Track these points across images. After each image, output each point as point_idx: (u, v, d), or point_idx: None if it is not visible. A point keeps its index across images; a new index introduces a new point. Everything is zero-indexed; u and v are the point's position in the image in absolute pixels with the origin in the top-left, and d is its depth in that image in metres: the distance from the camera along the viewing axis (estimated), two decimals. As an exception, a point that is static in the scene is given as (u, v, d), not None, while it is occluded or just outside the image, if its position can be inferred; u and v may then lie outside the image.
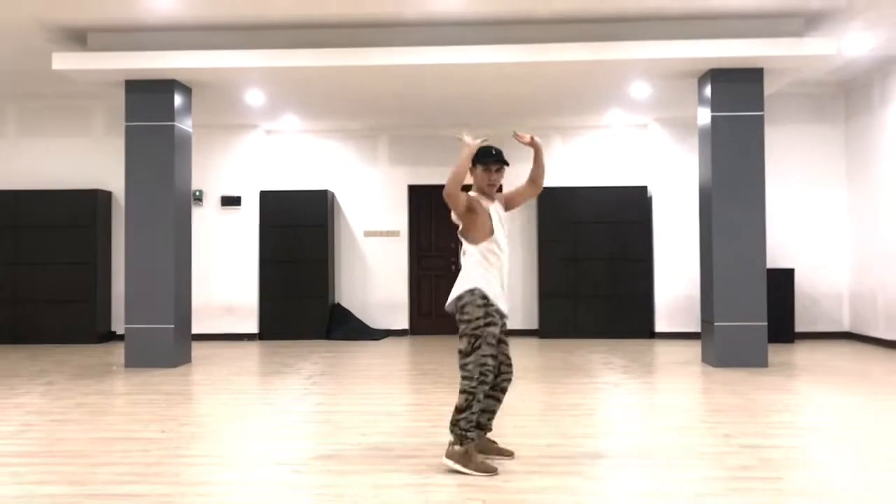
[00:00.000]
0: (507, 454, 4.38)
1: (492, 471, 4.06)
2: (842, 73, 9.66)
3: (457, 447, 4.13)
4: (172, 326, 8.13)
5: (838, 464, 4.32)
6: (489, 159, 4.31)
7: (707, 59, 7.64)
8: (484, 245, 4.24)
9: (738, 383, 6.87)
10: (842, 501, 3.64)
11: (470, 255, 4.27)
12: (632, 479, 4.02)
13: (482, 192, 4.32)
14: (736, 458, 4.35)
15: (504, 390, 4.37)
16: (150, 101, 8.19)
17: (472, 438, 4.13)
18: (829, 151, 10.48)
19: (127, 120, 8.22)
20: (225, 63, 7.79)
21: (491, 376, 4.15)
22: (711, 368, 7.81)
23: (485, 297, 4.17)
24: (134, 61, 7.80)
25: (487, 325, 4.16)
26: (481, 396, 4.14)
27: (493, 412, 4.37)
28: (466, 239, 4.31)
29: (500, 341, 4.29)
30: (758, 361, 7.84)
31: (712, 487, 3.86)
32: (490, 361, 4.14)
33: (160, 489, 3.87)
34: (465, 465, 4.08)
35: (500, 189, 4.57)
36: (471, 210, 4.23)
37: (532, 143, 4.38)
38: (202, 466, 4.33)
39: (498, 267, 4.24)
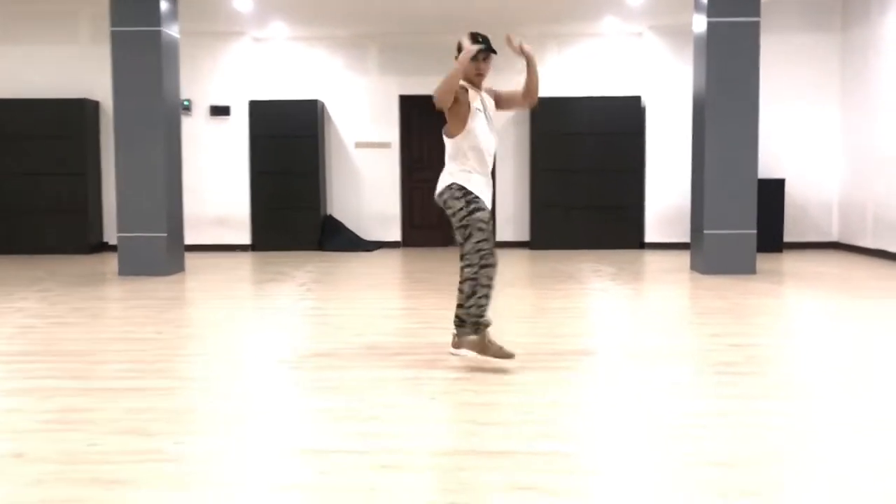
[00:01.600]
0: (508, 356, 4.26)
1: (508, 355, 4.12)
2: (840, -21, 9.49)
3: (472, 337, 4.17)
4: (165, 235, 8.16)
5: (820, 360, 4.44)
6: (478, 49, 4.20)
7: (704, -39, 7.50)
8: (459, 138, 4.17)
9: (725, 289, 6.99)
10: (824, 395, 3.76)
11: (447, 148, 4.26)
12: (620, 373, 4.13)
13: (469, 81, 4.24)
14: (721, 356, 4.47)
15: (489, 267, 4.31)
16: (136, 4, 8.01)
17: (487, 324, 4.15)
18: (823, 61, 10.39)
19: (112, 25, 8.06)
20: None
21: (492, 259, 4.10)
22: (700, 275, 7.92)
23: (461, 187, 4.15)
24: (118, -38, 7.61)
25: (472, 212, 4.11)
26: (485, 280, 4.10)
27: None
28: (444, 131, 4.27)
29: None
30: (746, 269, 7.94)
31: (698, 380, 3.98)
32: (485, 245, 4.09)
33: (162, 383, 3.96)
34: (482, 353, 4.16)
35: (497, 95, 4.50)
36: (454, 100, 4.15)
37: (523, 52, 4.27)
38: (201, 363, 4.42)
39: (477, 159, 4.18)
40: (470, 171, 4.17)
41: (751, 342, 4.86)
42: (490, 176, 4.30)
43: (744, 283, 7.36)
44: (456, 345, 4.26)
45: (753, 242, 7.98)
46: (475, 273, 4.13)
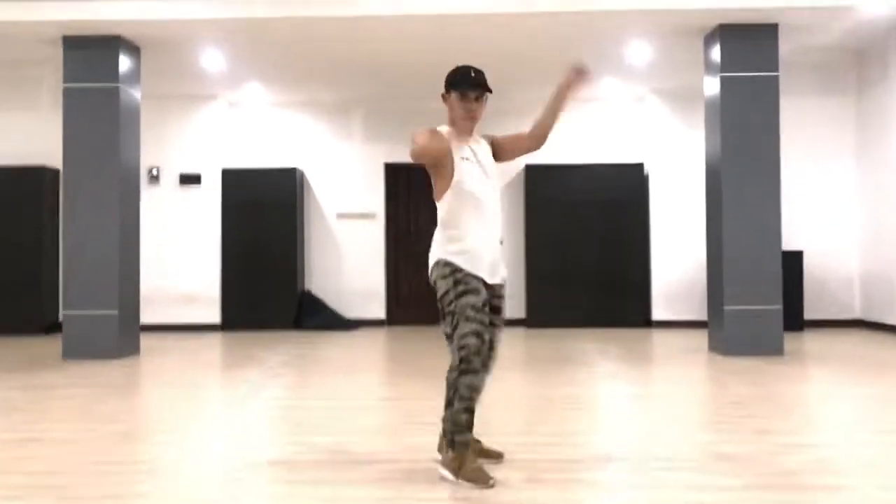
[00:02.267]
0: (495, 456, 3.48)
1: (484, 482, 3.14)
2: (854, 37, 8.81)
3: (449, 453, 3.27)
4: (116, 313, 7.22)
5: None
6: (467, 84, 3.38)
7: (715, 10, 6.81)
8: (448, 197, 3.33)
9: (755, 373, 6.06)
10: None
11: (438, 214, 3.39)
12: (658, 487, 3.17)
13: (455, 125, 3.41)
14: (782, 461, 3.52)
15: (486, 367, 3.41)
16: (92, 59, 7.28)
17: (465, 442, 3.22)
18: (838, 126, 9.68)
19: (65, 81, 7.30)
20: (176, 14, 6.87)
21: (477, 360, 3.17)
22: (720, 357, 7.00)
23: (448, 263, 3.28)
24: (72, 12, 6.89)
25: (459, 295, 3.23)
26: (465, 391, 3.18)
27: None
28: (434, 195, 3.41)
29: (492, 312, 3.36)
30: (772, 349, 7.04)
31: (763, 497, 3.02)
32: (472, 341, 3.17)
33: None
34: (453, 473, 3.21)
35: (494, 139, 3.66)
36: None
37: (572, 79, 3.55)
38: (119, 475, 3.44)
39: (474, 217, 3.30)
40: (461, 239, 3.30)
41: (811, 442, 3.92)
42: (496, 239, 3.38)
43: (773, 366, 6.44)
44: (442, 460, 3.33)
45: (780, 319, 7.11)
46: (455, 379, 3.22)
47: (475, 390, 3.21)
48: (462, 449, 3.21)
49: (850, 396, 5.23)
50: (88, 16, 6.87)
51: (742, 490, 3.12)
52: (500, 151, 3.61)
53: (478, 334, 3.19)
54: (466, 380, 3.20)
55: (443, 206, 3.36)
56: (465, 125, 3.42)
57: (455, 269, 3.26)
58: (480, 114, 3.44)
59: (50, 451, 3.83)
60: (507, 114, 10.33)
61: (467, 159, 3.36)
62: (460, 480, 3.17)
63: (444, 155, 3.29)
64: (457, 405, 3.22)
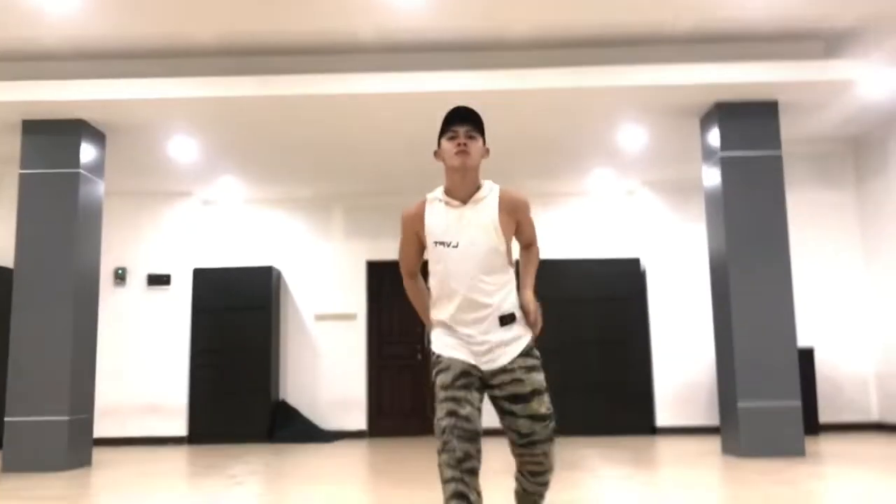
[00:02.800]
0: None
1: None
2: (854, 124, 8.57)
3: None
4: (66, 419, 6.47)
5: None
6: (454, 119, 2.78)
7: (712, 86, 6.48)
8: (431, 279, 2.88)
9: (778, 473, 5.36)
10: None
11: None
12: None
13: (450, 182, 2.82)
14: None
15: (532, 474, 2.85)
16: (52, 144, 6.84)
17: None
18: (840, 218, 9.30)
19: (22, 167, 6.81)
20: (141, 94, 6.48)
21: (454, 442, 2.55)
22: (737, 460, 6.29)
23: (432, 350, 2.80)
24: (32, 92, 6.49)
25: (435, 376, 2.74)
26: (445, 471, 2.54)
27: (527, 493, 2.91)
28: None
29: (506, 406, 2.77)
30: (793, 449, 6.36)
31: None
32: (444, 423, 2.60)
33: None
34: None
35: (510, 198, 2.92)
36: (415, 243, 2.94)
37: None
38: None
39: (446, 301, 2.80)
40: (437, 325, 2.85)
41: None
42: (483, 333, 2.75)
43: (796, 467, 5.73)
44: None
45: (800, 416, 6.46)
46: (438, 462, 2.60)
47: (452, 467, 2.53)
48: None
49: (882, 496, 4.54)
50: (50, 96, 6.46)
51: None
52: (512, 217, 2.88)
53: (452, 413, 2.60)
54: (443, 458, 2.56)
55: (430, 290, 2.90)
56: (457, 171, 2.79)
57: (434, 354, 2.79)
58: (475, 153, 2.79)
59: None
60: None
61: (441, 244, 2.82)
62: None
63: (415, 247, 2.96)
64: (444, 490, 2.54)
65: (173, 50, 6.50)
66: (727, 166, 6.75)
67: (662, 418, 9.08)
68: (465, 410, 2.61)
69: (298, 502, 4.68)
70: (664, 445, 7.82)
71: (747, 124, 6.75)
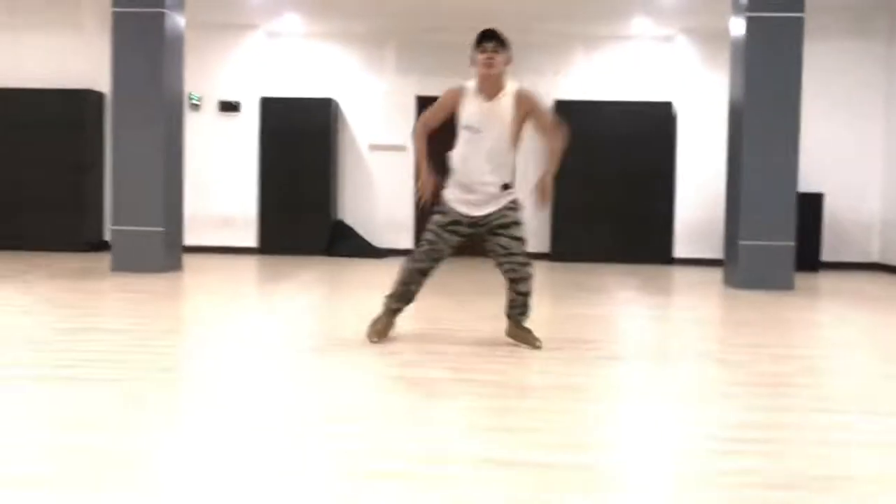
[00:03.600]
0: (533, 343, 4.09)
1: (369, 336, 4.14)
2: (889, -19, 8.89)
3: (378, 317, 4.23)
4: (162, 230, 7.65)
5: (880, 372, 3.81)
6: (482, 38, 3.84)
7: (746, -50, 6.93)
8: (455, 149, 4.01)
9: (762, 303, 6.36)
10: (881, 410, 3.14)
11: None
12: (654, 380, 3.53)
13: (486, 80, 3.85)
14: (767, 366, 3.86)
15: (513, 281, 4.02)
16: (139, -15, 7.58)
17: (386, 307, 4.20)
18: (868, 71, 9.75)
19: (114, 5, 7.62)
20: (218, -58, 7.14)
21: (423, 259, 4.05)
22: (734, 290, 7.28)
23: (441, 198, 4.07)
24: (121, -61, 7.17)
25: (433, 214, 4.10)
26: (406, 269, 4.12)
27: (512, 305, 4.13)
28: None
29: (494, 235, 4.00)
30: (783, 284, 7.31)
31: (744, 391, 3.36)
32: (423, 247, 4.06)
33: (110, 373, 3.41)
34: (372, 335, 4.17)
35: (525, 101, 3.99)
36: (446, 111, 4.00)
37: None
38: (166, 356, 3.87)
39: (459, 174, 3.97)
40: (452, 183, 4.03)
41: (801, 354, 4.24)
42: (493, 188, 3.93)
43: (782, 298, 6.72)
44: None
45: (792, 256, 7.36)
46: (402, 264, 4.17)
47: (408, 271, 4.10)
48: (382, 311, 4.19)
49: (847, 322, 5.52)
50: (137, -58, 7.16)
51: (731, 385, 3.46)
52: (528, 115, 3.96)
53: (430, 242, 4.02)
54: (406, 262, 4.12)
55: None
56: (485, 77, 3.82)
57: (440, 202, 4.03)
58: (500, 63, 3.81)
59: (105, 337, 4.26)
60: (536, 46, 10.50)
61: (468, 128, 3.86)
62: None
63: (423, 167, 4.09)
64: (398, 277, 4.13)
65: None
66: (752, 24, 7.28)
67: (679, 250, 10.06)
68: (440, 245, 3.99)
69: (355, 304, 5.82)
70: (676, 274, 8.84)
71: (775, -15, 7.22)
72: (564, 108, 9.95)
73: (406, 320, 4.44)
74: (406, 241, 10.70)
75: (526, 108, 3.91)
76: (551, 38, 10.40)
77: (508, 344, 4.19)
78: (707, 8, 8.87)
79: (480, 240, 4.05)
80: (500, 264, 4.02)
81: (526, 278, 4.03)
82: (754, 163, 7.32)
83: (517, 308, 4.12)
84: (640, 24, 9.82)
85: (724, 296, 6.91)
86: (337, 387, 3.26)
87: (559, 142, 4.00)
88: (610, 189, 10.10)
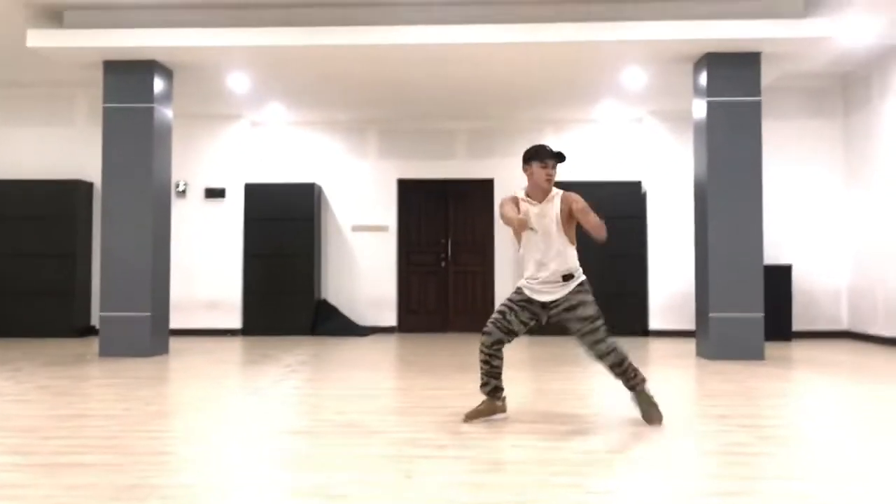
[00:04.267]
0: (649, 420, 4.36)
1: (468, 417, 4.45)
2: (839, 64, 9.46)
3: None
4: (149, 314, 7.85)
5: (839, 443, 4.04)
6: (547, 155, 4.43)
7: (703, 41, 7.42)
8: (520, 250, 4.53)
9: (733, 373, 6.60)
10: (842, 477, 3.37)
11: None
12: (624, 450, 3.73)
13: (533, 189, 4.43)
14: (730, 437, 4.08)
15: (599, 358, 4.43)
16: (129, 82, 7.95)
17: (483, 391, 4.48)
18: (826, 147, 10.25)
19: (105, 101, 7.98)
20: (207, 42, 7.54)
21: (494, 330, 4.41)
22: (706, 361, 7.53)
23: (517, 289, 4.54)
24: (112, 39, 7.56)
25: (512, 293, 4.53)
26: (482, 349, 4.44)
27: (615, 377, 4.46)
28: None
29: (566, 321, 4.43)
30: (754, 354, 7.57)
31: (707, 461, 3.58)
32: (494, 317, 4.46)
33: (113, 459, 3.58)
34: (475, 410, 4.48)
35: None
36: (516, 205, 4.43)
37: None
38: (162, 440, 4.04)
39: (533, 268, 4.44)
40: (526, 279, 4.48)
41: (763, 423, 4.47)
42: (555, 277, 4.39)
43: (752, 368, 6.97)
44: None
45: (761, 327, 7.64)
46: (480, 343, 4.48)
47: (484, 347, 4.43)
48: (484, 393, 4.49)
49: (815, 391, 5.77)
50: (127, 43, 7.54)
51: (701, 455, 3.68)
52: (569, 211, 4.43)
53: (503, 314, 4.44)
54: (482, 339, 4.44)
55: (520, 253, 4.55)
56: (544, 187, 4.41)
57: (517, 291, 4.50)
58: (555, 175, 4.43)
59: (98, 423, 4.43)
60: (509, 132, 11.00)
61: (533, 229, 4.38)
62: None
63: (518, 231, 4.42)
64: (481, 358, 4.47)
65: (232, 2, 7.49)
66: (712, 108, 7.73)
67: (654, 322, 10.34)
68: (511, 317, 4.42)
69: (343, 385, 6.00)
70: (652, 346, 9.08)
71: (732, 73, 7.68)
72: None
73: (391, 398, 4.63)
74: (390, 318, 10.94)
75: (568, 205, 4.39)
76: (524, 123, 10.86)
77: (491, 420, 4.40)
78: (672, 91, 9.34)
79: (554, 322, 4.48)
80: (582, 344, 4.46)
81: (605, 354, 4.40)
82: (720, 238, 7.66)
83: (621, 379, 4.46)
84: (608, 108, 10.30)
85: (697, 367, 7.15)
86: (328, 467, 3.44)
87: (598, 225, 4.40)
88: (584, 264, 10.37)
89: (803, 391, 5.85)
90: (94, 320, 10.43)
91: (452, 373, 6.65)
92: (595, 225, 4.34)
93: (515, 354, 7.92)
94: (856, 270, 9.91)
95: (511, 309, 4.43)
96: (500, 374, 4.49)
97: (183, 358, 7.84)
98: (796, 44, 7.45)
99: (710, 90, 7.71)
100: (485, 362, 4.44)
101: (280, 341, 9.66)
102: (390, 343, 9.61)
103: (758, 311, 7.62)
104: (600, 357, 4.40)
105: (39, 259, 10.12)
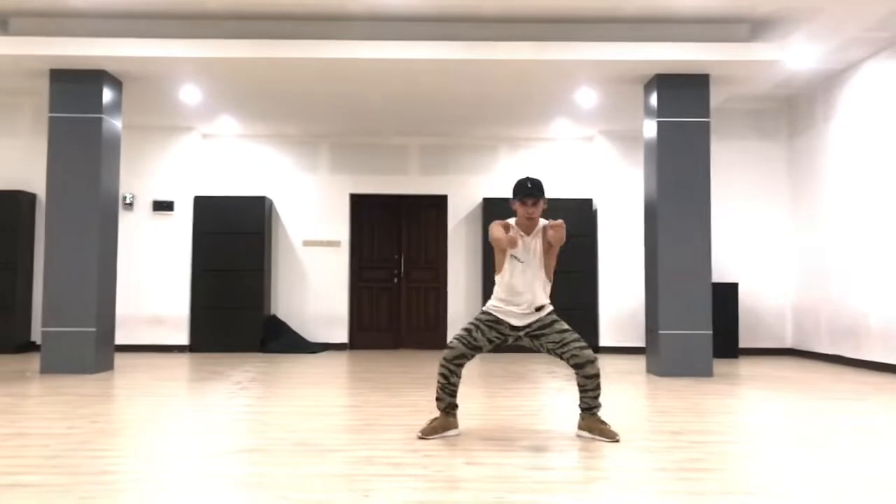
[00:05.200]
0: (611, 436, 4.40)
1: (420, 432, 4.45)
2: (785, 88, 9.72)
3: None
4: (94, 330, 7.65)
5: (785, 458, 4.11)
6: (523, 193, 4.43)
7: (653, 62, 7.55)
8: (497, 276, 4.56)
9: (683, 390, 6.69)
10: (793, 491, 3.42)
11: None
12: (577, 468, 3.74)
13: (521, 224, 4.46)
14: (683, 453, 4.12)
15: (578, 366, 4.44)
16: (77, 92, 7.78)
17: (438, 407, 4.50)
18: (772, 168, 10.51)
19: (51, 111, 7.78)
20: (157, 52, 7.43)
21: (458, 345, 4.46)
22: (656, 378, 7.62)
23: (485, 310, 4.59)
24: (59, 48, 7.39)
25: (480, 314, 4.59)
26: (442, 363, 4.47)
27: (584, 390, 4.49)
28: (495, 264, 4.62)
29: (538, 337, 4.50)
30: (703, 371, 7.67)
31: (659, 476, 3.61)
32: (459, 333, 4.53)
33: (56, 479, 3.47)
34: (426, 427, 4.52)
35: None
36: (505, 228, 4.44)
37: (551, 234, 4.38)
38: (107, 459, 3.92)
39: (507, 294, 4.48)
40: (498, 302, 4.52)
41: (713, 440, 4.53)
42: (528, 309, 4.45)
43: (701, 384, 7.07)
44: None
45: (710, 344, 7.75)
46: (441, 358, 4.52)
47: (444, 363, 4.47)
48: (439, 409, 4.51)
49: (761, 407, 5.87)
50: (75, 51, 7.38)
51: (649, 471, 3.71)
52: (552, 245, 4.45)
53: (461, 339, 4.48)
54: (444, 353, 4.48)
55: (497, 277, 4.56)
56: (527, 223, 4.45)
57: (486, 311, 4.55)
58: (537, 213, 4.43)
59: (40, 442, 4.29)
60: (463, 148, 11.04)
61: (516, 258, 4.43)
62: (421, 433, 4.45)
63: (503, 251, 4.43)
64: (439, 376, 4.49)
65: (183, 13, 7.39)
66: (662, 128, 7.86)
67: (605, 339, 10.44)
68: (477, 335, 4.47)
69: (295, 403, 5.92)
70: (602, 361, 9.14)
71: (681, 94, 7.83)
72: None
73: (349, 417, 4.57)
74: (341, 335, 10.84)
75: (547, 234, 4.42)
76: (478, 140, 10.92)
77: (445, 437, 4.38)
78: (622, 111, 9.48)
79: (521, 344, 4.57)
80: (561, 357, 4.45)
81: (592, 360, 4.43)
82: (670, 255, 7.77)
83: (589, 392, 4.46)
84: (561, 126, 10.41)
85: (647, 383, 7.23)
86: (283, 487, 3.38)
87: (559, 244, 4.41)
88: (537, 281, 10.46)
89: (751, 407, 5.94)
90: (35, 335, 10.14)
91: (406, 390, 6.62)
92: (560, 236, 4.34)
93: (465, 370, 7.91)
94: (800, 289, 10.14)
95: (478, 327, 4.48)
96: (455, 391, 4.51)
97: (129, 375, 7.65)
98: (744, 66, 7.62)
99: (661, 111, 7.85)
100: (443, 376, 4.46)
101: (228, 358, 9.50)
102: (342, 360, 9.52)
103: (706, 329, 7.74)
104: (587, 362, 4.41)
105: (-22, 272, 9.80)
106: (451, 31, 7.51)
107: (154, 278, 10.41)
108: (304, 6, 7.20)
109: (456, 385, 4.49)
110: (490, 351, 4.58)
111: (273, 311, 10.83)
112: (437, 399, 4.51)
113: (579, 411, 4.55)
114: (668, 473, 3.67)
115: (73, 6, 7.22)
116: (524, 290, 4.44)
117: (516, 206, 4.47)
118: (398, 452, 4.05)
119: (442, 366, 4.46)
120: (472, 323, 4.52)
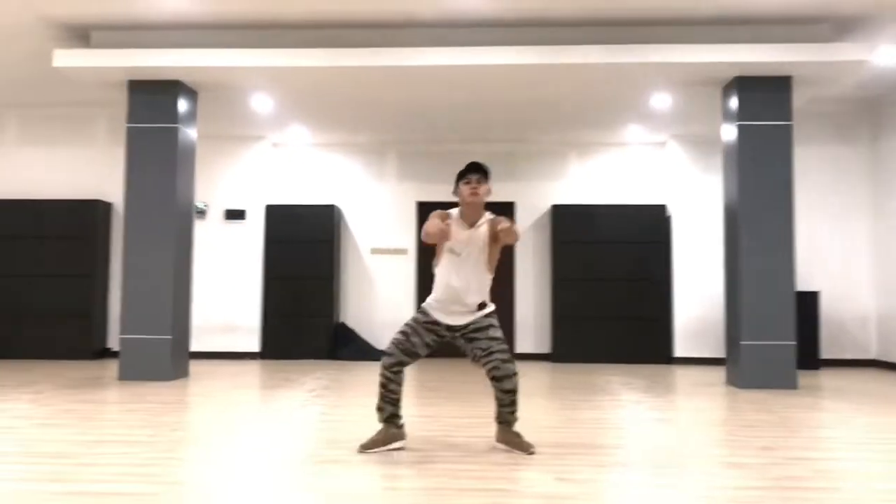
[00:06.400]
0: (526, 449, 4.25)
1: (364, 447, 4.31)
2: (868, 89, 9.35)
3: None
4: (170, 338, 7.75)
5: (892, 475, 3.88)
6: (468, 170, 4.22)
7: (733, 64, 7.32)
8: (435, 268, 4.33)
9: (768, 402, 6.44)
10: (912, 512, 3.21)
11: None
12: (667, 488, 3.59)
13: (463, 210, 4.23)
14: (782, 470, 3.93)
15: (496, 379, 4.24)
16: (154, 102, 7.90)
17: (379, 418, 4.34)
18: (852, 172, 10.13)
19: (129, 121, 7.92)
20: (232, 62, 7.49)
21: (396, 352, 4.27)
22: (738, 390, 7.37)
23: (421, 309, 4.36)
24: (137, 59, 7.52)
25: (416, 314, 4.35)
26: (381, 371, 4.29)
27: (501, 405, 4.30)
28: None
29: (471, 340, 4.29)
30: (786, 383, 7.41)
31: (759, 496, 3.43)
32: (396, 338, 4.30)
33: (146, 488, 3.46)
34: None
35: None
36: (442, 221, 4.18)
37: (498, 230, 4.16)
38: (192, 467, 3.92)
39: (441, 292, 4.25)
40: (433, 300, 4.31)
41: (814, 456, 4.32)
42: (467, 308, 4.24)
43: (786, 397, 6.81)
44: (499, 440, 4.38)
45: (793, 354, 7.47)
46: (381, 363, 4.32)
47: (383, 369, 4.27)
48: (384, 428, 4.35)
49: (855, 423, 5.60)
50: (153, 63, 7.50)
51: (746, 489, 3.53)
52: (498, 239, 4.23)
53: (403, 334, 4.30)
54: (382, 360, 4.29)
55: (434, 270, 4.35)
56: (470, 205, 4.20)
57: (423, 310, 4.32)
58: (484, 193, 4.19)
59: (126, 449, 4.31)
60: (531, 154, 10.91)
61: (453, 252, 4.19)
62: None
63: (437, 242, 4.18)
64: (380, 384, 4.31)
65: (258, 24, 7.45)
66: (743, 132, 7.62)
67: (679, 350, 10.17)
68: (415, 339, 4.26)
69: (369, 412, 5.87)
70: (677, 374, 8.92)
71: (763, 97, 7.59)
72: (563, 212, 10.27)
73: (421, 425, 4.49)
74: (408, 343, 10.78)
75: (493, 227, 4.19)
76: (546, 146, 10.79)
77: (504, 451, 4.27)
78: (696, 116, 9.25)
79: (457, 345, 4.35)
80: (483, 365, 4.25)
81: (510, 375, 4.23)
82: (752, 264, 7.52)
83: (506, 407, 4.28)
84: (632, 132, 10.21)
85: (729, 396, 6.99)
86: (362, 499, 3.32)
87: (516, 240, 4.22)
88: (609, 290, 10.30)
89: (844, 423, 5.68)
90: (111, 342, 10.34)
91: (477, 400, 6.51)
92: (517, 236, 4.15)
93: (532, 383, 7.78)
94: (884, 298, 9.74)
95: (415, 331, 4.28)
96: (398, 400, 4.32)
97: (204, 382, 7.72)
98: (828, 67, 7.35)
99: (741, 114, 7.61)
100: (383, 386, 4.27)
101: (299, 365, 9.53)
102: (409, 367, 9.47)
103: (790, 339, 7.47)
104: (507, 376, 4.20)
105: (57, 280, 10.05)
106: (522, 36, 7.42)
107: (226, 286, 10.52)
108: (374, 14, 7.19)
109: (397, 393, 4.29)
110: (427, 355, 4.38)
111: (342, 318, 10.85)
112: (378, 409, 4.32)
113: (496, 424, 4.38)
114: (767, 493, 3.49)
115: (151, 19, 7.33)
116: (459, 286, 4.19)
117: (460, 188, 4.21)
118: (480, 465, 3.95)
119: (380, 374, 4.28)
120: (409, 325, 4.30)
